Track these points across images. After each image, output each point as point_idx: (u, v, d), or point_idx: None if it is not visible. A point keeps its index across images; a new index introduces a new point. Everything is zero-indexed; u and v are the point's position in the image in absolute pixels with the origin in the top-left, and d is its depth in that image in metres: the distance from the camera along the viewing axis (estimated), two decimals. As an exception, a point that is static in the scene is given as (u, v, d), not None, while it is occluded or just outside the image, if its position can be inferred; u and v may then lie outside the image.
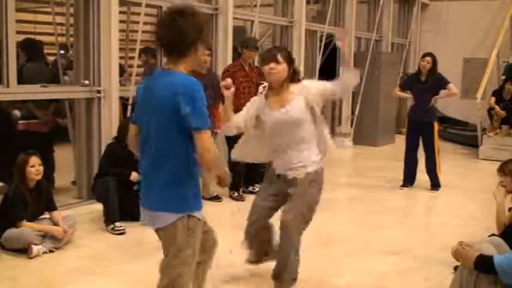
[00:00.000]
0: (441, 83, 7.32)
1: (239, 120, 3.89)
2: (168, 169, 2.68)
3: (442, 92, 7.30)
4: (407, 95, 7.69)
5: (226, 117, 3.83)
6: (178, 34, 2.62)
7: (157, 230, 2.83)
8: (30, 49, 6.69)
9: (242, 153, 4.12)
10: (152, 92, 2.69)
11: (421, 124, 7.41)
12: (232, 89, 3.64)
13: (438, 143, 7.51)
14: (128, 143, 3.06)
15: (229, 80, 3.70)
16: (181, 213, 2.72)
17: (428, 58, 7.33)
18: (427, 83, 7.33)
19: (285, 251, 3.90)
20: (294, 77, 3.85)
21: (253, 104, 3.95)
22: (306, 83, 3.89)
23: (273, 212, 4.05)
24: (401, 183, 7.71)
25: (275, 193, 3.98)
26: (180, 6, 2.74)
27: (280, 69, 3.74)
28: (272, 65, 3.72)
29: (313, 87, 3.83)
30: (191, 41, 2.66)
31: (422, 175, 7.67)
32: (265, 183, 4.07)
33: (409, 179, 7.69)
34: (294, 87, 3.82)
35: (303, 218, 3.89)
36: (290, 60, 3.81)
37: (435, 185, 7.54)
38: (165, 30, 2.65)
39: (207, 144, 2.59)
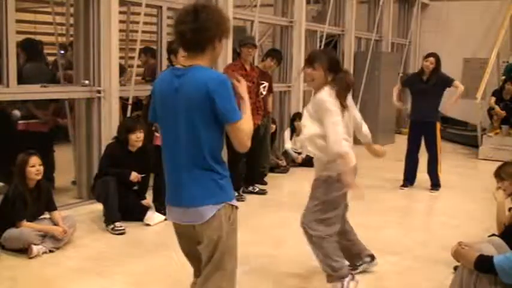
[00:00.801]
0: (446, 82, 7.29)
1: None
2: (204, 163, 2.68)
3: (452, 93, 7.27)
4: (401, 106, 7.68)
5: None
6: (199, 30, 2.62)
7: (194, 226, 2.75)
8: (30, 49, 6.70)
9: None
10: (179, 90, 2.66)
11: (423, 124, 7.39)
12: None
13: (440, 143, 7.51)
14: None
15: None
16: (222, 203, 2.73)
17: (431, 59, 7.28)
18: (429, 83, 7.31)
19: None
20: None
21: None
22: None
23: None
24: (401, 183, 7.71)
25: None
26: (201, 2, 2.75)
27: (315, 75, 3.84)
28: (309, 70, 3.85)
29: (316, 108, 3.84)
30: (211, 37, 2.66)
31: (422, 175, 7.67)
32: None
33: (409, 179, 7.69)
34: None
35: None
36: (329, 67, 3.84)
37: (435, 185, 7.54)
38: (186, 26, 2.63)
39: (247, 132, 2.65)
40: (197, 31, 2.62)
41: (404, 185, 7.67)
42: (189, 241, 2.84)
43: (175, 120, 2.68)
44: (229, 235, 2.74)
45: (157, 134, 5.88)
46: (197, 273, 2.92)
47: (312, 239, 4.02)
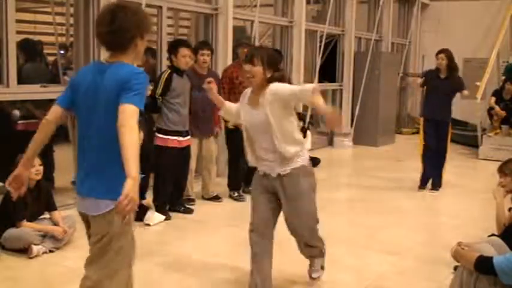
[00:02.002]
0: (457, 86, 7.26)
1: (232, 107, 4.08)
2: (116, 159, 2.55)
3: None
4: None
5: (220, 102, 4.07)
6: (117, 31, 2.67)
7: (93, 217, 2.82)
8: (29, 49, 6.70)
9: None
10: (99, 84, 2.68)
11: (436, 122, 7.33)
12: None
13: (449, 144, 7.48)
14: (49, 115, 2.88)
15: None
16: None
17: (441, 55, 7.24)
18: (447, 81, 7.26)
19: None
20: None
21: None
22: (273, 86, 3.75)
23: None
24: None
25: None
26: (119, 2, 2.81)
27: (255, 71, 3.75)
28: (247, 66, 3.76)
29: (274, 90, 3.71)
30: (130, 37, 2.71)
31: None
32: None
33: (424, 180, 7.57)
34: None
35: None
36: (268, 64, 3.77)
37: (436, 184, 7.52)
38: (104, 28, 2.69)
39: (130, 117, 2.50)
40: (115, 33, 2.67)
41: (422, 186, 7.53)
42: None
43: (92, 112, 2.70)
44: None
45: (158, 135, 5.88)
46: None
47: (315, 231, 4.16)
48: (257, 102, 3.73)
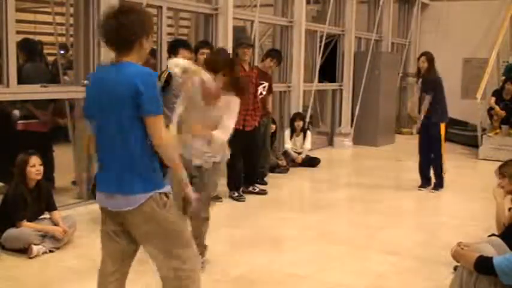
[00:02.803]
0: (427, 86, 7.34)
1: None
2: (143, 153, 2.77)
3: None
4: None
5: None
6: (122, 33, 2.74)
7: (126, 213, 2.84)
8: (29, 49, 6.69)
9: None
10: (106, 84, 2.78)
11: (425, 124, 7.40)
12: None
13: (444, 144, 7.43)
14: (90, 143, 3.16)
15: None
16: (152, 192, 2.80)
17: (422, 58, 7.42)
18: (421, 82, 7.43)
19: None
20: None
21: None
22: None
23: None
24: (412, 183, 7.67)
25: None
26: (122, 5, 2.89)
27: None
28: None
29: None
30: (135, 39, 2.78)
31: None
32: None
33: (423, 180, 7.63)
34: None
35: None
36: None
37: (437, 185, 7.53)
38: (109, 28, 2.75)
39: (159, 129, 2.72)
40: (120, 33, 2.75)
41: (436, 188, 7.54)
42: None
43: (110, 113, 2.77)
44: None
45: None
46: None
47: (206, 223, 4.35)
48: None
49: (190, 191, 3.00)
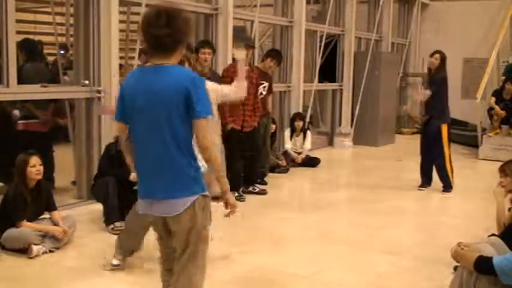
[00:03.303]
0: (432, 82, 7.34)
1: None
2: (185, 158, 2.78)
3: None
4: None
5: None
6: (173, 34, 2.71)
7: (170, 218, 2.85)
8: (29, 49, 6.70)
9: None
10: (153, 87, 2.73)
11: (427, 123, 7.41)
12: None
13: (446, 145, 7.38)
14: (122, 147, 3.06)
15: None
16: (196, 195, 2.82)
17: (436, 55, 7.38)
18: (430, 80, 7.39)
19: None
20: None
21: None
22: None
23: None
24: (413, 183, 7.66)
25: None
26: (171, 6, 2.82)
27: None
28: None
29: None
30: (182, 41, 2.77)
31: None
32: None
33: (423, 180, 7.62)
34: None
35: None
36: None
37: (445, 186, 7.51)
38: (161, 30, 2.69)
39: (208, 131, 2.73)
40: (171, 35, 2.71)
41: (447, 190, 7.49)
42: None
43: (153, 118, 2.74)
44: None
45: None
46: None
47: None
48: None
49: (231, 195, 3.00)
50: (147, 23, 2.75)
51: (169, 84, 2.70)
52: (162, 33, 2.70)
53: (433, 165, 7.52)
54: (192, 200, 2.79)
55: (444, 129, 7.36)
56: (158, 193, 2.80)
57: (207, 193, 2.88)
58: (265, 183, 7.58)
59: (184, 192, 2.78)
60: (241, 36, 7.86)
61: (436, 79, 7.31)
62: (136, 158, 2.89)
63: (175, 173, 2.77)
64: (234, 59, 6.64)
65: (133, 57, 7.81)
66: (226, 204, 2.97)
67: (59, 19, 9.49)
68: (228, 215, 2.99)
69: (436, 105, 7.32)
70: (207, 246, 2.97)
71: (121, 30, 8.22)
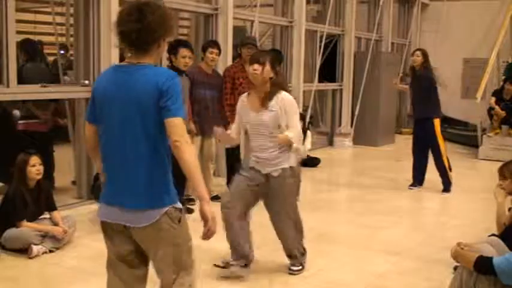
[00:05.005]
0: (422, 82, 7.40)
1: (233, 133, 4.36)
2: (158, 167, 2.63)
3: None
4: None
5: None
6: (144, 30, 2.58)
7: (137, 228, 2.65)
8: (29, 49, 6.70)
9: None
10: (126, 87, 2.60)
11: (419, 121, 7.44)
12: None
13: (442, 141, 7.39)
14: (88, 147, 2.87)
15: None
16: (167, 206, 2.64)
17: (417, 52, 7.47)
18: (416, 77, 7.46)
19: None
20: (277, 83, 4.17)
21: (239, 111, 4.34)
22: (286, 96, 4.18)
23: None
24: (410, 182, 7.67)
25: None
26: (148, 1, 2.67)
27: (263, 70, 4.09)
28: (256, 66, 4.07)
29: (287, 106, 4.13)
30: (156, 37, 2.64)
31: (411, 175, 7.67)
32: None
33: (416, 179, 7.65)
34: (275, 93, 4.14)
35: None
36: (273, 64, 4.14)
37: (444, 185, 7.51)
38: (131, 25, 2.58)
39: (181, 129, 2.54)
40: (142, 31, 2.58)
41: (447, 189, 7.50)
42: None
43: (125, 121, 2.60)
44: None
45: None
46: None
47: (298, 225, 4.41)
48: (264, 104, 4.11)
49: (208, 207, 2.59)
50: (118, 19, 2.65)
51: (142, 84, 2.57)
52: (131, 29, 2.57)
53: (425, 166, 7.55)
54: (161, 213, 2.60)
55: (437, 123, 7.36)
56: (125, 200, 2.63)
57: (179, 205, 2.70)
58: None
59: (153, 203, 2.61)
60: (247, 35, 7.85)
61: (425, 83, 7.33)
62: (105, 160, 2.72)
63: (146, 178, 2.60)
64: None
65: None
66: (203, 218, 2.59)
67: (59, 19, 9.49)
68: (204, 236, 2.60)
69: (427, 106, 7.35)
70: (190, 262, 2.76)
71: (121, 30, 8.22)
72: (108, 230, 2.73)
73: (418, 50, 7.60)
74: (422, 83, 7.32)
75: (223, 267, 4.36)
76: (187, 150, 2.53)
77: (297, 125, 4.17)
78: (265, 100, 4.11)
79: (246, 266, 4.34)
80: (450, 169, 7.44)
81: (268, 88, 4.12)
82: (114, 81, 2.66)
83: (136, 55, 2.65)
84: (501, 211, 4.06)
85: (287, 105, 4.11)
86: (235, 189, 4.31)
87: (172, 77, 2.62)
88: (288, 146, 4.13)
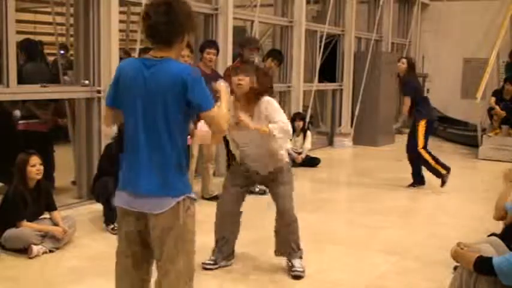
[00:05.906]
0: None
1: None
2: (176, 157, 2.72)
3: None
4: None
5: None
6: (172, 23, 2.66)
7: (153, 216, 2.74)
8: (29, 49, 6.70)
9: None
10: (150, 79, 2.67)
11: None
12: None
13: (421, 139, 7.44)
14: (105, 123, 3.11)
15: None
16: (183, 195, 2.74)
17: (403, 59, 7.75)
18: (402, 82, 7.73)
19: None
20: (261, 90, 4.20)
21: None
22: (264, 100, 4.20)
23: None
24: (410, 182, 7.76)
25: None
26: None
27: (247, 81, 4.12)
28: (241, 76, 4.10)
29: (269, 109, 4.16)
30: (182, 31, 2.72)
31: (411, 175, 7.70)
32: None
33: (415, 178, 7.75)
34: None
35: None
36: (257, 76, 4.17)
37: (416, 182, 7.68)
38: (159, 18, 2.64)
39: (222, 119, 2.74)
40: (170, 24, 2.66)
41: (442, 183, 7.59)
42: None
43: (143, 108, 2.70)
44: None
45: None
46: None
47: (294, 224, 4.43)
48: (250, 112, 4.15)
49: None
50: (146, 11, 2.71)
51: (167, 76, 2.65)
52: (159, 21, 2.64)
53: (418, 165, 7.61)
54: (177, 201, 2.71)
55: (421, 123, 7.45)
56: (143, 187, 2.72)
57: (192, 195, 2.80)
58: (265, 183, 7.57)
59: (171, 191, 2.71)
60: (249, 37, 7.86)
61: (408, 90, 7.57)
62: (126, 148, 2.81)
63: (165, 167, 2.70)
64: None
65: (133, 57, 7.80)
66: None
67: (59, 19, 9.50)
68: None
69: (417, 110, 7.53)
70: (192, 251, 2.84)
71: (121, 30, 8.23)
72: (125, 215, 2.85)
73: (403, 57, 7.85)
74: (406, 90, 7.59)
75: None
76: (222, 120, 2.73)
77: (281, 119, 4.11)
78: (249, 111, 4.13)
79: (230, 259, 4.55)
80: (435, 160, 7.46)
81: (250, 98, 4.14)
82: (139, 71, 2.71)
83: (160, 48, 2.72)
84: (503, 194, 3.93)
85: (268, 108, 4.13)
86: (230, 198, 4.58)
87: (195, 70, 2.75)
88: (271, 136, 4.12)
